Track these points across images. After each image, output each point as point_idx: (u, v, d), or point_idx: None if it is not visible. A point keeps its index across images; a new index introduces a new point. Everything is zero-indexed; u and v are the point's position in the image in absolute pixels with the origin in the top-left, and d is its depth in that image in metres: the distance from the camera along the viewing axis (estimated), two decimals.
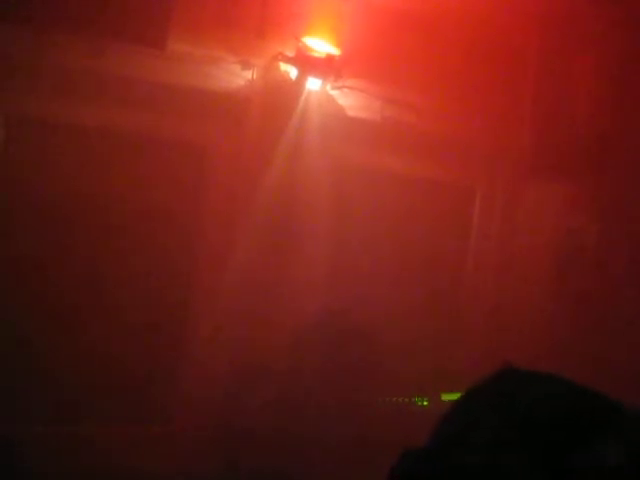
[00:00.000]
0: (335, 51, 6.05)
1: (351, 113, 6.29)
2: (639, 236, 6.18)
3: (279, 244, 6.02)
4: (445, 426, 1.25)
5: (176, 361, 5.99)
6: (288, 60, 6.01)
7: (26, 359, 5.34)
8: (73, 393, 5.51)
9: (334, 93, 6.20)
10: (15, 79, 5.25)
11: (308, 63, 5.98)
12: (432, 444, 1.23)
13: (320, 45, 6.01)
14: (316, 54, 6.00)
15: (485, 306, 6.84)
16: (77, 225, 5.65)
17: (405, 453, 1.23)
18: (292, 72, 6.04)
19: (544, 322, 6.44)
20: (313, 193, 6.08)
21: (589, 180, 6.53)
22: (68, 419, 5.56)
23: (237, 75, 5.91)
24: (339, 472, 5.33)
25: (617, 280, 6.15)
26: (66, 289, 5.58)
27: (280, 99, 6.03)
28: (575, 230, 6.51)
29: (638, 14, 6.09)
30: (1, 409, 5.10)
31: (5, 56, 5.14)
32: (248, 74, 5.94)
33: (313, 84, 6.07)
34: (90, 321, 5.64)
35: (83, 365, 5.56)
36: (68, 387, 5.49)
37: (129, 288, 5.78)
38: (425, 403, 6.12)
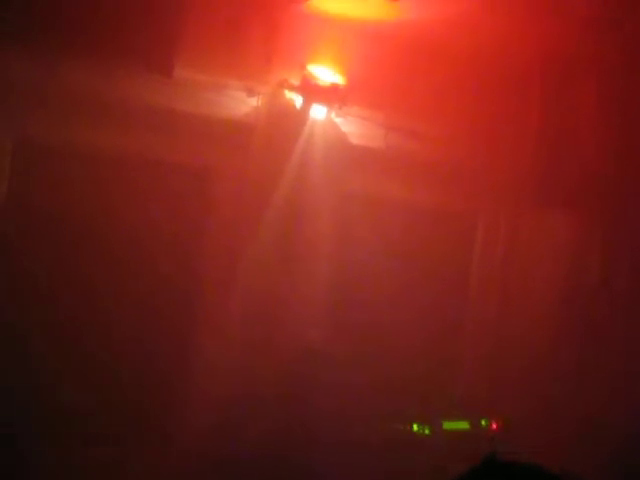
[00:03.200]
0: (340, 79, 6.12)
1: (355, 141, 6.34)
2: None
3: (282, 270, 6.03)
4: None
5: (177, 385, 5.98)
6: (293, 88, 6.08)
7: (27, 379, 5.35)
8: (74, 415, 5.52)
9: (338, 121, 6.26)
10: (24, 104, 5.31)
11: (313, 91, 6.04)
12: None
13: (325, 73, 6.08)
14: (321, 82, 6.06)
15: (488, 334, 6.83)
16: (81, 247, 5.68)
17: None
18: (297, 100, 6.11)
19: (548, 349, 6.42)
20: (316, 220, 6.10)
21: (592, 209, 6.55)
22: (68, 440, 5.55)
23: (242, 102, 5.97)
24: None
25: (621, 306, 6.14)
26: (67, 311, 5.60)
27: (285, 126, 6.08)
28: (578, 258, 6.52)
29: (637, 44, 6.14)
30: (2, 429, 5.11)
31: (14, 82, 5.21)
32: (253, 101, 6.01)
33: (318, 112, 6.13)
34: (92, 344, 5.65)
35: (84, 387, 5.56)
36: (68, 409, 5.49)
37: (130, 312, 5.80)
38: (427, 431, 6.09)
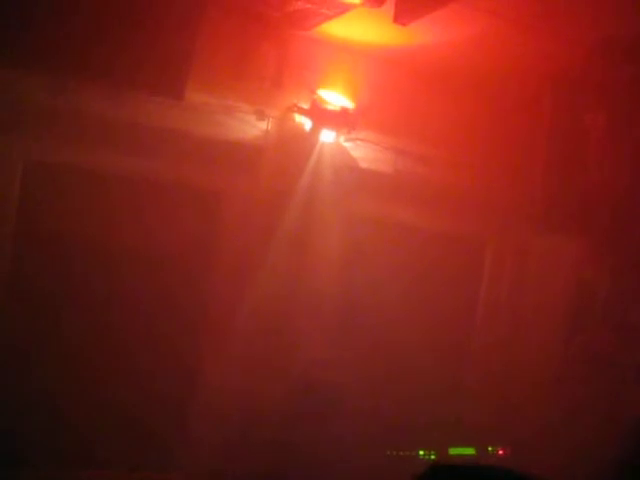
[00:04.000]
0: (349, 104, 6.14)
1: (364, 165, 6.36)
2: None
3: (290, 292, 6.04)
4: None
5: (186, 408, 5.98)
6: (303, 112, 6.11)
7: (25, 396, 5.35)
8: (82, 439, 5.52)
9: (347, 145, 6.28)
10: (34, 126, 5.35)
11: (322, 115, 6.07)
12: None
13: (334, 98, 6.12)
14: (330, 106, 6.09)
15: (497, 359, 6.81)
16: (89, 268, 5.70)
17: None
18: (306, 124, 6.14)
19: (555, 375, 6.39)
20: (325, 243, 6.11)
21: (601, 234, 6.53)
22: (76, 464, 5.55)
23: (252, 125, 6.00)
24: None
25: (628, 334, 6.11)
26: (72, 329, 5.61)
27: (294, 150, 6.11)
28: (586, 284, 6.49)
29: None
30: (6, 452, 5.10)
31: (24, 104, 5.25)
32: (263, 124, 6.04)
33: (327, 136, 6.15)
34: (99, 367, 5.67)
35: (92, 411, 5.56)
36: (76, 433, 5.50)
37: (138, 334, 5.80)
38: (432, 457, 6.06)
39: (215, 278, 6.07)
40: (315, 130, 6.11)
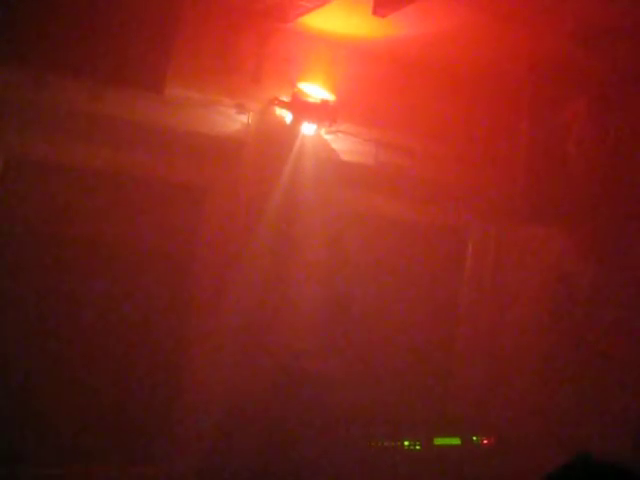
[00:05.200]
0: (330, 96, 6.14)
1: (345, 157, 6.36)
2: (632, 282, 6.19)
3: (272, 285, 6.04)
4: None
5: (171, 402, 5.98)
6: (283, 105, 6.10)
7: (17, 400, 5.34)
8: (67, 434, 5.51)
9: (328, 138, 6.28)
10: (15, 122, 5.32)
11: (303, 108, 6.07)
12: None
13: (315, 90, 6.11)
14: (311, 99, 6.09)
15: (478, 350, 6.83)
16: (70, 263, 5.68)
17: None
18: (287, 117, 6.13)
19: (538, 366, 6.42)
20: (307, 235, 6.12)
21: (583, 226, 6.56)
22: (61, 460, 5.54)
23: (233, 119, 5.99)
24: None
25: (609, 325, 6.14)
26: (54, 324, 5.59)
27: (275, 143, 6.10)
28: (568, 275, 6.52)
29: (628, 61, 6.16)
30: None
31: (5, 99, 5.22)
32: (244, 118, 6.03)
33: (308, 129, 6.15)
34: (83, 362, 5.65)
35: (77, 406, 5.55)
36: (61, 428, 5.49)
37: (123, 329, 5.79)
38: (417, 447, 6.08)
39: (198, 272, 6.06)
40: (296, 123, 6.10)
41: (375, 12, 5.38)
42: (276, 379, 5.79)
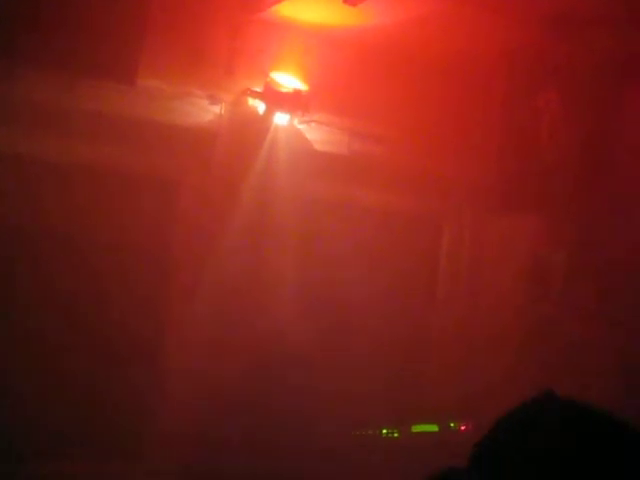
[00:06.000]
0: (302, 86, 6.14)
1: (319, 147, 6.36)
2: (606, 266, 6.24)
3: (249, 277, 6.04)
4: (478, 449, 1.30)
5: (149, 397, 5.96)
6: (256, 95, 6.09)
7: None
8: (47, 431, 5.49)
9: (302, 127, 6.28)
10: None
11: (276, 98, 6.06)
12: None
13: (288, 80, 6.10)
14: (284, 89, 6.08)
15: (455, 337, 6.87)
16: (47, 257, 5.65)
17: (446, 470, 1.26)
18: (260, 107, 6.13)
19: (513, 351, 6.47)
20: (282, 226, 6.12)
21: (557, 212, 6.60)
22: (42, 456, 5.51)
23: (206, 110, 5.98)
24: None
25: (583, 309, 6.19)
26: (37, 322, 5.57)
27: (248, 134, 6.10)
28: (542, 260, 6.57)
29: (603, 50, 6.20)
30: None
31: None
32: (216, 109, 6.01)
33: (281, 119, 6.14)
34: (62, 356, 5.63)
35: (56, 403, 5.53)
36: (41, 425, 5.46)
37: (99, 322, 5.77)
38: (395, 435, 6.11)
39: (172, 263, 6.05)
40: (269, 113, 6.10)
41: (346, 1, 5.40)
42: (253, 363, 5.80)
